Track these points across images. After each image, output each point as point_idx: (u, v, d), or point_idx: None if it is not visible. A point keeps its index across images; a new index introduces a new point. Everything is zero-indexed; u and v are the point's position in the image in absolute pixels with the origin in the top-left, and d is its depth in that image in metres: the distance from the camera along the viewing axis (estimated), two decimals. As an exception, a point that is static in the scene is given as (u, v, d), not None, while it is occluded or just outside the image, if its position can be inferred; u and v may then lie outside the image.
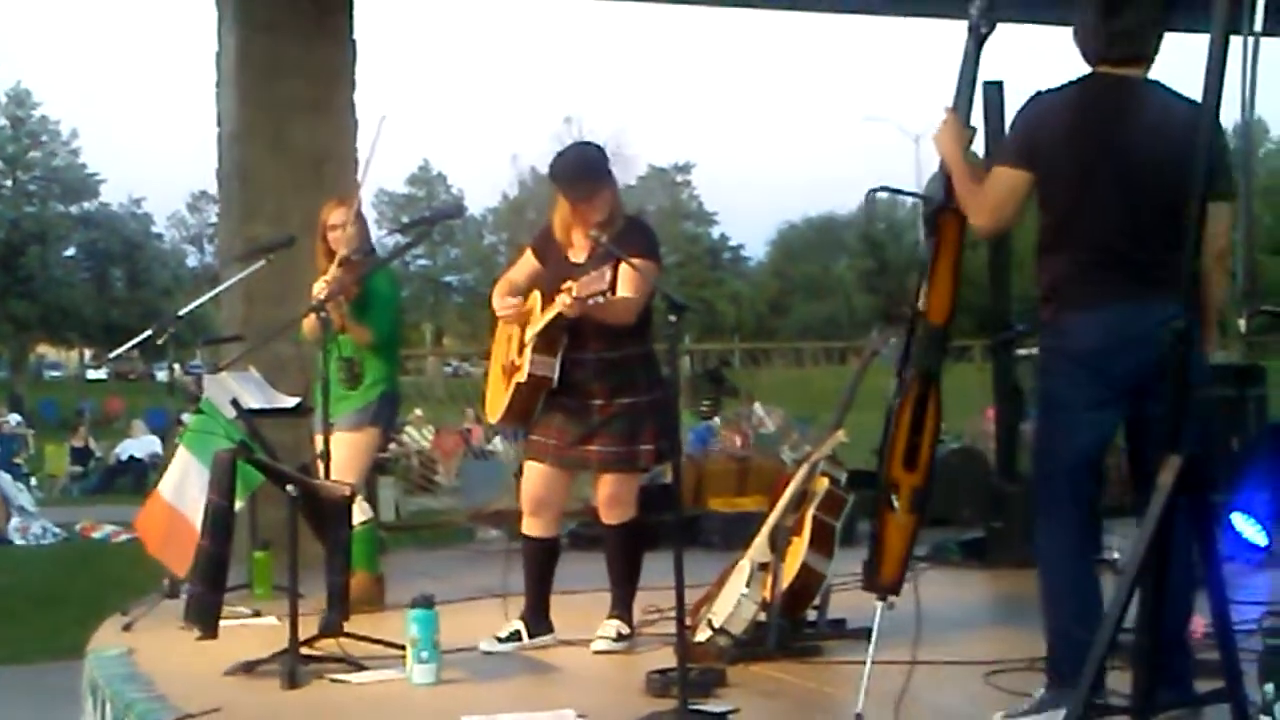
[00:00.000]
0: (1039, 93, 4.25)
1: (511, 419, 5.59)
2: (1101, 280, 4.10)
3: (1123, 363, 4.05)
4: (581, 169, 5.43)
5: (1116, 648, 2.96)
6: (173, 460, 6.49)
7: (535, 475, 5.54)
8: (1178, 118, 4.05)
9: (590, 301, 4.91)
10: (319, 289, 6.16)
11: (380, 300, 6.42)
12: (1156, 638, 2.94)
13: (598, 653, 5.39)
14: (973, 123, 4.38)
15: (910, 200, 42.69)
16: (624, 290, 5.15)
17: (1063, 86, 4.23)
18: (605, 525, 5.57)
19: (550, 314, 5.22)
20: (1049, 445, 4.25)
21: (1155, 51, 4.21)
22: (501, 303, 5.52)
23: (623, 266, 5.07)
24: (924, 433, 4.33)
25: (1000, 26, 4.38)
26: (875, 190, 4.59)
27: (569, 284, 5.03)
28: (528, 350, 5.37)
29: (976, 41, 4.38)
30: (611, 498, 5.49)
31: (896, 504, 4.31)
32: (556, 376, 5.35)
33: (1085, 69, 4.24)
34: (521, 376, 5.37)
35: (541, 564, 5.63)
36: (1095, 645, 2.95)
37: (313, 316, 5.94)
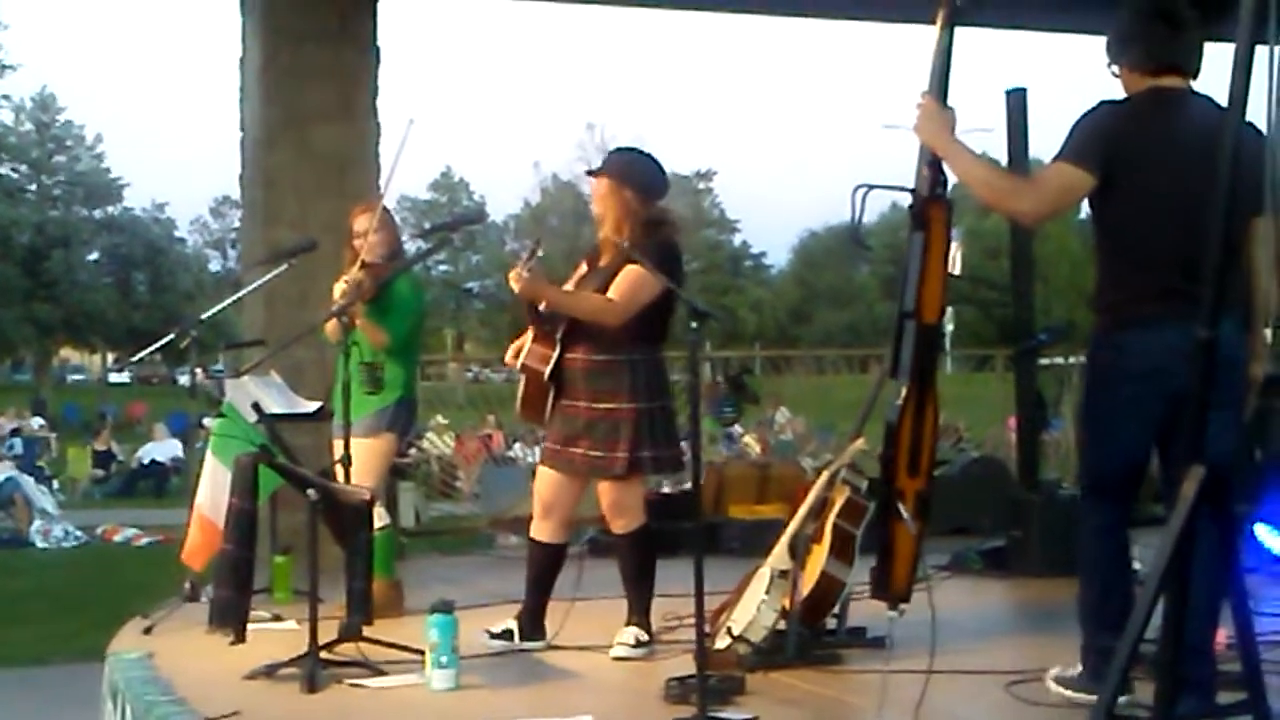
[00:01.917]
0: (1105, 102, 4.22)
1: (524, 411, 5.62)
2: (1167, 298, 4.09)
3: (1180, 380, 4.03)
4: (607, 156, 5.60)
5: (1140, 658, 2.95)
6: (202, 473, 6.50)
7: (541, 478, 5.61)
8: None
9: (524, 272, 5.20)
10: (339, 291, 6.18)
11: (399, 304, 6.42)
12: (1179, 648, 2.92)
13: (616, 659, 5.38)
14: (957, 109, 4.33)
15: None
16: (613, 291, 5.27)
17: (1126, 100, 4.22)
18: (614, 535, 5.58)
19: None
20: (1102, 459, 4.24)
21: (1199, 63, 4.21)
22: None
23: (623, 270, 5.24)
24: (924, 437, 4.32)
25: (1019, 34, 4.36)
26: (860, 188, 4.51)
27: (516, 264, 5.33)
28: (528, 340, 5.46)
29: (948, 19, 4.33)
30: (613, 505, 5.49)
31: (904, 512, 4.30)
32: (549, 371, 5.38)
33: (1110, 78, 4.23)
34: (520, 360, 5.47)
35: (542, 568, 5.63)
36: (1117, 655, 2.93)
37: (335, 320, 5.97)
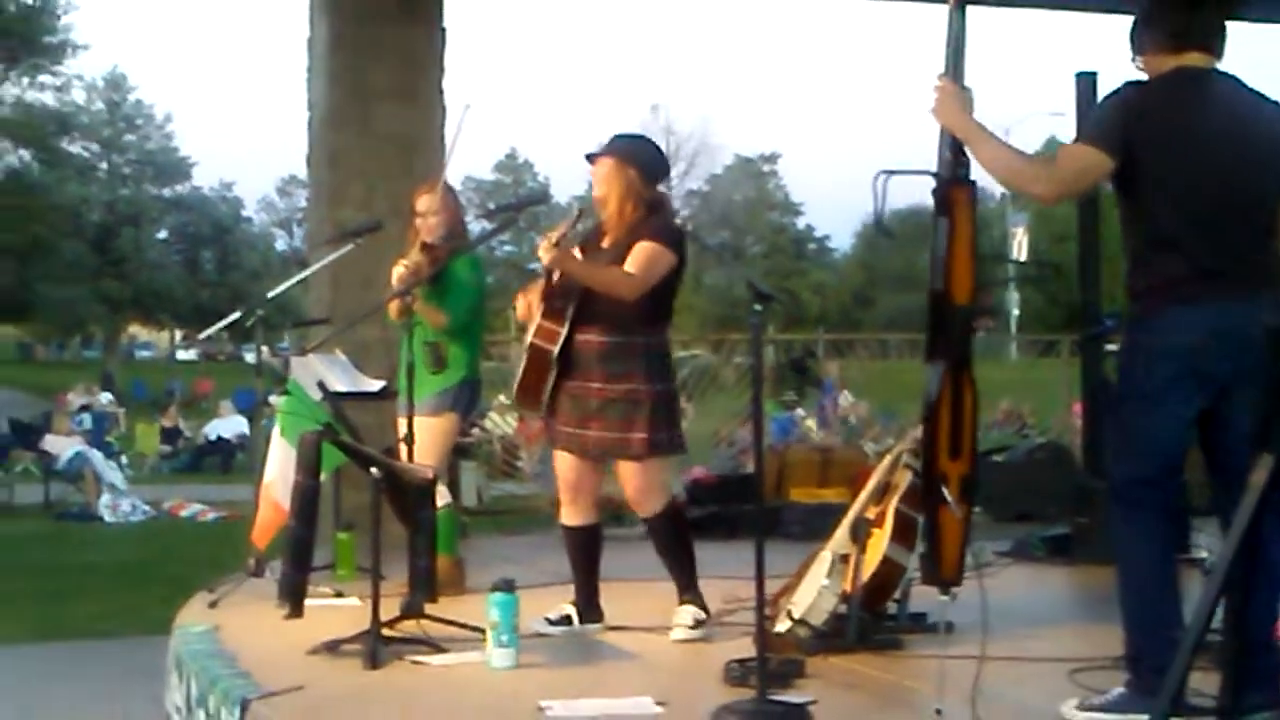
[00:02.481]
0: (1129, 83, 4.18)
1: (520, 395, 5.55)
2: (1204, 279, 4.03)
3: (1218, 361, 3.99)
4: (607, 140, 5.55)
5: (1204, 648, 2.92)
6: (270, 452, 6.57)
7: (562, 462, 5.59)
8: (1263, 113, 4.04)
9: (561, 240, 5.22)
10: (398, 273, 6.21)
11: (458, 286, 6.43)
12: (1243, 639, 2.89)
13: (677, 641, 5.39)
14: (968, 88, 4.24)
15: (1002, 191, 42.27)
16: (630, 266, 5.27)
17: (1151, 81, 4.17)
18: (643, 519, 5.56)
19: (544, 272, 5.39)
20: (1137, 442, 4.17)
21: (1224, 43, 4.17)
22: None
23: (636, 245, 5.27)
24: (964, 419, 4.27)
25: (1089, 16, 4.30)
26: (881, 174, 4.44)
27: (548, 234, 5.33)
28: (536, 316, 5.43)
29: None
30: (639, 489, 5.46)
31: (948, 495, 4.26)
32: (557, 349, 5.36)
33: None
34: (527, 338, 5.45)
35: (581, 551, 5.64)
36: (1182, 646, 2.91)
37: (398, 300, 6.00)
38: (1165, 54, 4.17)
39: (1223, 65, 4.19)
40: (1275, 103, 4.16)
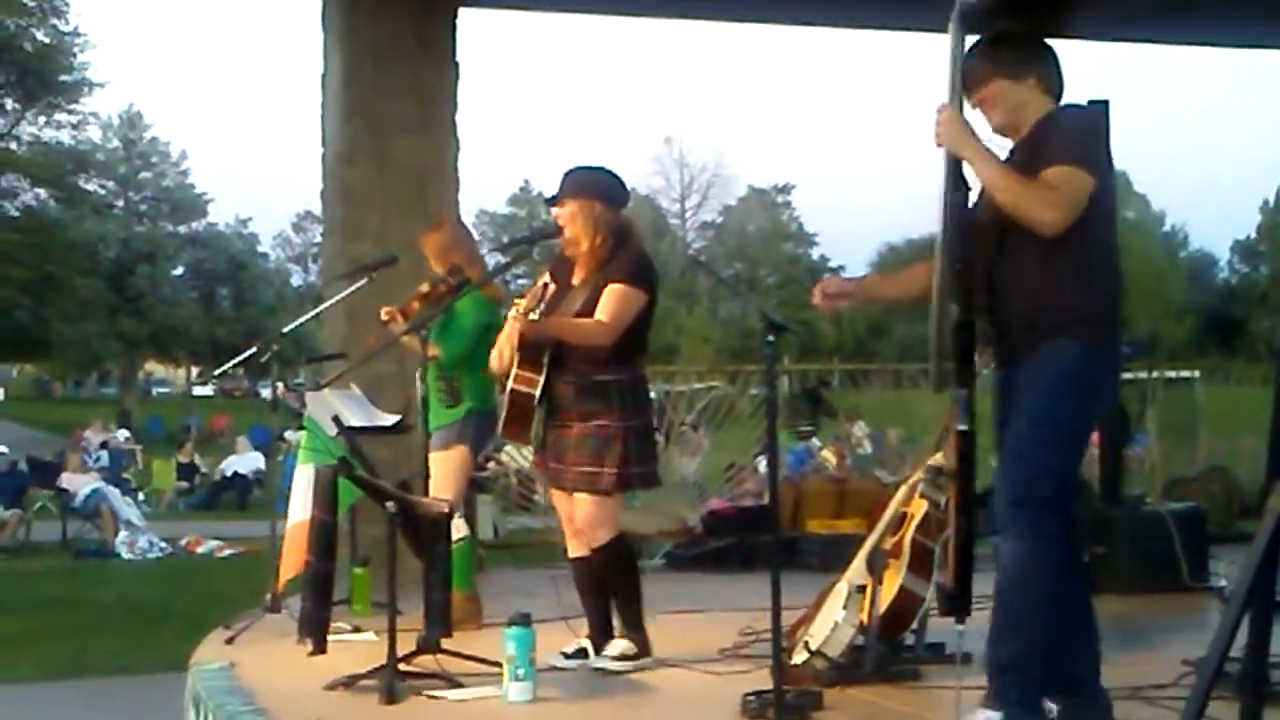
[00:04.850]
0: (1093, 102, 4.24)
1: (508, 431, 5.63)
2: (1123, 304, 4.20)
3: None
4: (563, 179, 5.55)
5: (1223, 676, 2.90)
6: (294, 488, 6.58)
7: (557, 499, 5.69)
8: None
9: (529, 316, 5.23)
10: (385, 313, 6.28)
11: (458, 323, 6.44)
12: (1264, 665, 2.88)
13: (598, 670, 5.39)
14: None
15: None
16: (600, 313, 5.32)
17: (1092, 105, 4.26)
18: (591, 551, 5.53)
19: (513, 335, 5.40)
20: (1061, 462, 4.13)
21: None
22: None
23: (606, 289, 5.31)
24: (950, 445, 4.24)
25: (1103, 46, 4.32)
26: None
27: (517, 302, 5.36)
28: (513, 366, 5.46)
29: (961, 21, 4.11)
30: (589, 519, 5.46)
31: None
32: (538, 394, 5.40)
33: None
34: (508, 386, 5.49)
35: (587, 582, 5.64)
36: (1201, 674, 2.89)
37: (414, 334, 6.01)
38: (1052, 94, 4.22)
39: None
40: None
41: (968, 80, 4.17)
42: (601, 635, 5.59)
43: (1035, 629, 4.04)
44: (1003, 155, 4.14)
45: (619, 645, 5.46)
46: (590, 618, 5.64)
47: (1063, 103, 4.23)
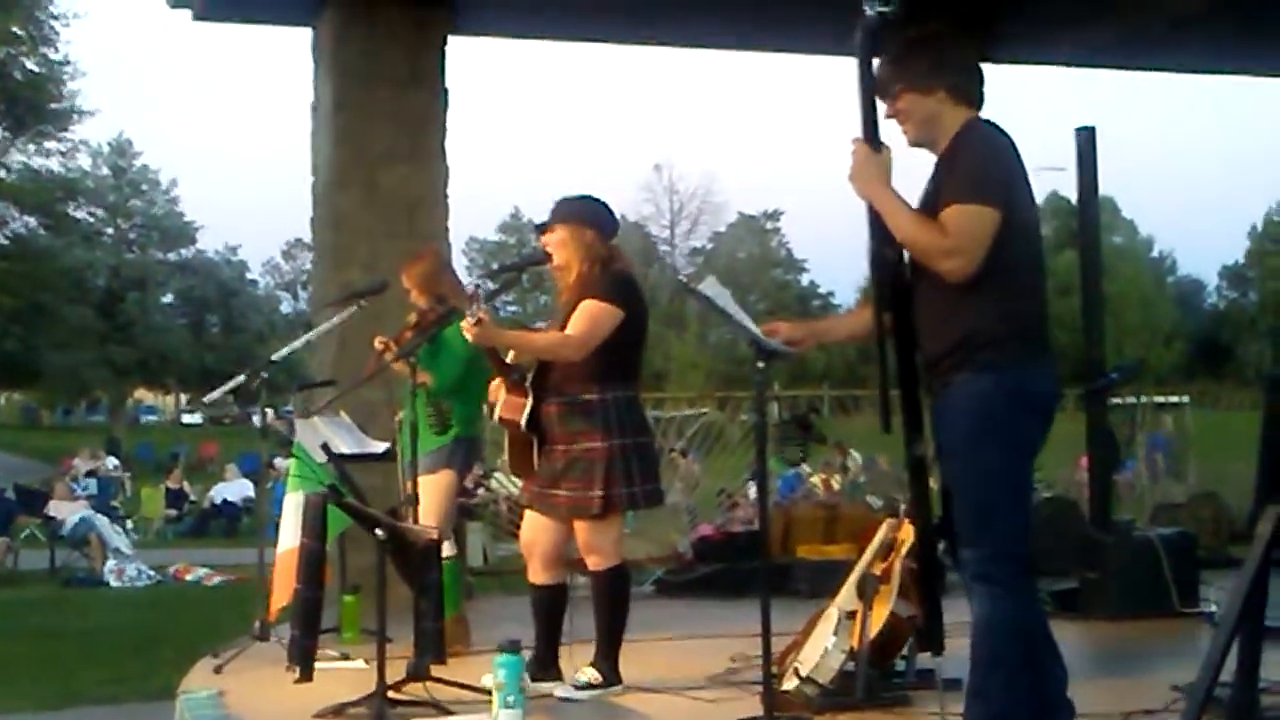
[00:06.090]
0: (991, 128, 4.03)
1: (512, 465, 5.64)
2: (1046, 328, 4.05)
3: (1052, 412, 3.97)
4: (554, 207, 5.59)
5: (1213, 702, 2.90)
6: (283, 517, 6.57)
7: (525, 521, 5.67)
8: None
9: (470, 319, 5.12)
10: (379, 343, 6.27)
11: (449, 350, 6.45)
12: (1254, 690, 2.88)
13: (560, 698, 5.36)
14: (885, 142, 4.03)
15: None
16: (570, 327, 5.35)
17: (997, 126, 4.05)
18: (588, 572, 5.55)
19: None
20: (1020, 499, 3.96)
21: None
22: None
23: (579, 304, 5.34)
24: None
25: (1090, 72, 4.24)
26: None
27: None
28: (501, 393, 5.49)
29: (869, 34, 3.93)
30: (586, 545, 5.48)
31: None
32: (524, 419, 5.41)
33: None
34: (497, 412, 5.51)
35: (540, 608, 5.63)
36: (1192, 698, 2.89)
37: (403, 360, 6.03)
38: (966, 104, 4.06)
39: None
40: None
41: (879, 93, 4.03)
42: (540, 667, 5.54)
43: (1012, 684, 3.89)
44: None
45: (586, 674, 5.43)
46: (536, 645, 5.60)
47: (980, 115, 4.06)
